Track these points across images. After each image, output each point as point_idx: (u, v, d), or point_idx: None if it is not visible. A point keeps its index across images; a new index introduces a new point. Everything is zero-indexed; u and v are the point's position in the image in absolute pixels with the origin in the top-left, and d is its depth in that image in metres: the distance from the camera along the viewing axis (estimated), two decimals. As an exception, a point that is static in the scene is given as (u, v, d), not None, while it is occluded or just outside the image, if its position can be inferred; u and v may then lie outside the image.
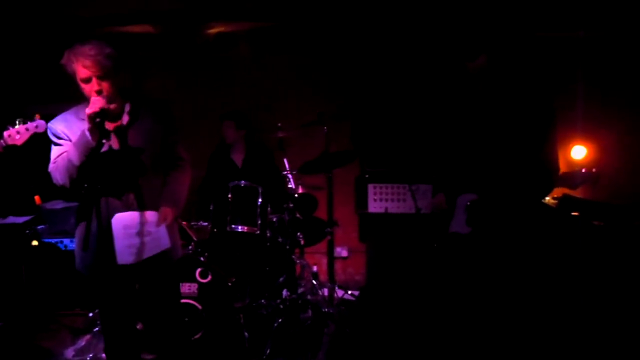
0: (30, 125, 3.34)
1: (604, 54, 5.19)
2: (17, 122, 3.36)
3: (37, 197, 5.50)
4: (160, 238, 2.80)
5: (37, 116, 3.40)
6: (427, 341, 3.69)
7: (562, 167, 4.92)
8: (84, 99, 2.81)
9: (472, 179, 3.06)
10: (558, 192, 4.20)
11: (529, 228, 3.00)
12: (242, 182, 4.22)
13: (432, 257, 4.04)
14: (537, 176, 2.91)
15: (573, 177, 4.12)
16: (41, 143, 3.51)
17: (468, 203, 3.05)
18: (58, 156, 2.85)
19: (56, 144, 2.90)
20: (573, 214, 3.97)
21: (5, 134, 3.31)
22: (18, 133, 3.29)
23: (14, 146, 3.35)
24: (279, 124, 4.64)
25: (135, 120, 2.82)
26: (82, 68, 2.65)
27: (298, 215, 4.45)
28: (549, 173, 2.94)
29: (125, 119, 2.82)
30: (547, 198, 4.20)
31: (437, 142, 4.63)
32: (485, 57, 2.90)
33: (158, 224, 2.78)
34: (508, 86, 2.97)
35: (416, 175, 4.71)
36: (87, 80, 2.67)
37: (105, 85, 2.68)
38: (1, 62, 5.55)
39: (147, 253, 2.77)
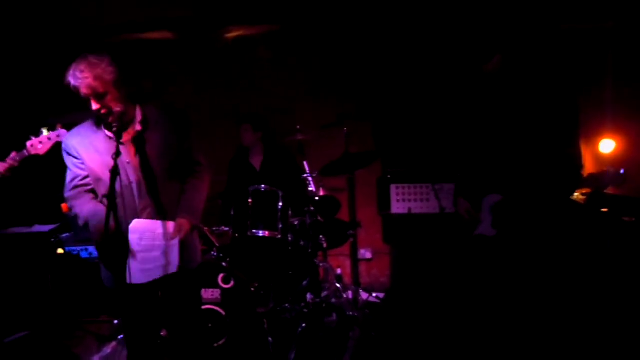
0: (52, 134, 3.39)
1: (635, 45, 5.03)
2: (41, 131, 3.40)
3: (63, 205, 5.56)
4: (170, 256, 2.78)
5: (59, 126, 3.44)
6: (455, 344, 3.61)
7: (590, 161, 4.85)
8: None
9: (495, 178, 3.00)
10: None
11: (558, 227, 2.93)
12: (262, 186, 4.19)
13: (458, 259, 3.97)
14: (562, 173, 2.83)
15: (601, 177, 4.03)
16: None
17: (493, 204, 2.99)
18: (72, 181, 2.88)
19: (68, 162, 2.91)
20: (602, 210, 3.85)
21: (28, 144, 3.36)
22: (40, 143, 3.34)
23: (36, 155, 3.39)
24: (298, 127, 4.60)
25: (148, 128, 2.80)
26: (75, 90, 2.67)
27: (320, 218, 4.40)
28: (573, 169, 2.87)
29: (137, 127, 2.81)
30: (576, 194, 4.09)
31: (460, 140, 4.55)
32: (500, 57, 2.84)
33: (173, 236, 2.76)
34: (527, 83, 2.90)
35: (439, 175, 4.64)
36: (87, 100, 2.67)
37: (106, 101, 2.68)
38: (21, 72, 5.63)
39: (156, 274, 2.76)
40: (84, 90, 2.65)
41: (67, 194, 2.90)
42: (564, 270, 3.11)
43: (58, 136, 3.43)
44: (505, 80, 2.92)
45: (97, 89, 2.65)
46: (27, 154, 3.37)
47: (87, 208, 2.83)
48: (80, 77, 2.63)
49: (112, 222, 2.59)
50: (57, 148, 3.43)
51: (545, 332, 3.02)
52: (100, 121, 2.81)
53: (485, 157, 3.09)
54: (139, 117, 2.83)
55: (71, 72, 2.67)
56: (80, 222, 2.86)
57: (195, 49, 5.67)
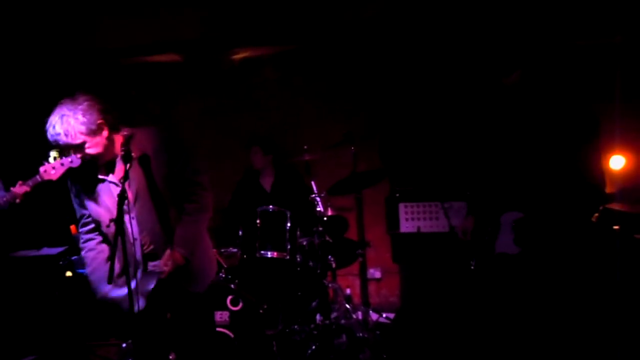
0: (65, 160, 3.41)
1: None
2: (52, 156, 3.44)
3: (72, 227, 5.57)
4: (145, 286, 2.77)
5: (72, 151, 3.47)
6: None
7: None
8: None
9: (512, 196, 2.98)
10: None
11: (579, 247, 2.89)
12: (270, 207, 4.18)
13: (470, 277, 3.93)
14: (585, 191, 2.80)
15: (634, 190, 3.98)
16: (73, 173, 3.56)
17: (514, 222, 2.96)
18: (80, 221, 2.98)
19: (73, 201, 3.01)
20: (614, 227, 3.80)
21: (41, 169, 3.39)
22: (53, 168, 3.37)
23: (49, 181, 3.42)
24: (306, 147, 4.60)
25: (132, 165, 2.74)
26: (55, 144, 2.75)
27: (328, 238, 4.37)
28: (596, 186, 2.83)
29: (120, 166, 2.80)
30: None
31: (472, 157, 4.53)
32: (520, 72, 2.83)
33: (161, 268, 2.75)
34: (546, 99, 2.89)
35: (448, 193, 4.61)
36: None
37: (85, 149, 2.74)
38: (31, 96, 5.68)
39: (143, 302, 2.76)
40: (62, 145, 2.72)
41: (80, 244, 2.98)
42: (578, 289, 3.06)
43: (71, 162, 3.45)
44: (524, 95, 2.91)
45: (71, 143, 2.70)
46: (39, 179, 3.40)
47: (90, 267, 2.90)
48: (53, 134, 2.68)
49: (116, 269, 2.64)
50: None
51: (558, 351, 2.97)
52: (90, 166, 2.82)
53: (502, 173, 3.07)
54: (119, 152, 2.80)
55: (47, 127, 2.72)
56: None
57: (202, 70, 5.71)
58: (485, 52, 4.47)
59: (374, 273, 5.56)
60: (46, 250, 5.00)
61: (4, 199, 3.43)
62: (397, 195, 4.83)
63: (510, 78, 2.88)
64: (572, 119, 2.81)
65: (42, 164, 3.42)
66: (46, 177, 3.39)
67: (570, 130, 2.79)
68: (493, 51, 3.00)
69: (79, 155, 2.81)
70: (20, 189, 3.41)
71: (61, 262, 4.91)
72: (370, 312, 4.67)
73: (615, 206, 4.01)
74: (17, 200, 3.42)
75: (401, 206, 4.80)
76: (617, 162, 4.88)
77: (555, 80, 2.89)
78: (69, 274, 4.92)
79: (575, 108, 2.84)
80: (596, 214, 3.94)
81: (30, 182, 3.42)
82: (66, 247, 5.09)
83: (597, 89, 4.81)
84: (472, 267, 3.28)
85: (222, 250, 4.23)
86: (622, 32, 4.85)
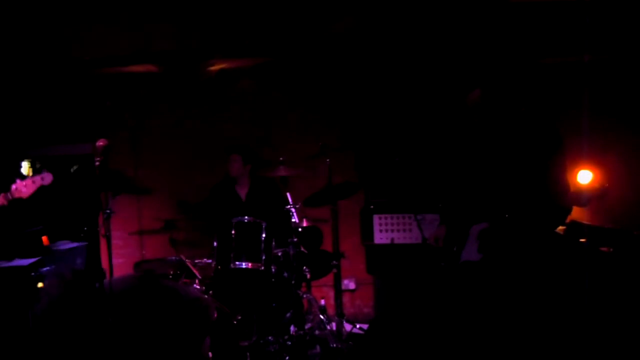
0: (37, 178, 3.41)
1: (610, 78, 5.17)
2: (21, 166, 3.41)
3: (44, 238, 5.51)
4: None
5: (44, 170, 3.45)
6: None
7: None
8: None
9: (481, 208, 3.05)
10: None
11: (539, 256, 2.96)
12: (246, 218, 4.20)
13: (442, 287, 3.99)
14: (548, 204, 2.88)
15: (581, 194, 4.07)
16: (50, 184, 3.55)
17: (479, 231, 3.03)
18: None
19: None
20: (581, 240, 3.91)
21: (13, 187, 3.37)
22: (25, 186, 3.35)
23: (19, 199, 3.39)
24: (281, 158, 4.63)
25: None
26: None
27: (303, 249, 4.40)
28: (560, 199, 2.91)
29: None
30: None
31: (443, 171, 4.62)
32: (479, 90, 2.92)
33: None
34: (509, 115, 2.97)
35: (422, 205, 4.68)
36: None
37: None
38: (3, 105, 5.62)
39: None
40: None
41: None
42: (542, 299, 3.13)
43: (42, 179, 3.45)
44: (486, 112, 2.99)
45: None
46: (10, 197, 3.37)
47: None
48: None
49: None
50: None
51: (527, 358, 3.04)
52: None
53: (470, 187, 3.14)
54: None
55: None
56: None
57: (178, 81, 5.72)
58: (451, 68, 4.60)
59: (349, 284, 5.60)
60: (18, 262, 4.93)
61: None
62: (372, 207, 4.90)
63: (472, 96, 2.96)
64: (534, 136, 2.90)
65: (14, 181, 3.39)
66: (17, 195, 3.37)
67: (533, 146, 2.87)
68: (458, 68, 3.09)
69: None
70: None
71: (33, 274, 4.84)
72: (344, 322, 4.70)
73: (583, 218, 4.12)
74: None
75: (375, 218, 4.86)
76: (584, 177, 5.02)
77: (515, 98, 2.97)
78: (40, 285, 4.85)
79: (538, 125, 2.93)
80: (563, 227, 4.05)
81: (1, 198, 3.38)
82: (38, 258, 5.03)
83: (565, 106, 4.95)
84: (442, 268, 3.35)
85: (197, 261, 4.23)
86: (590, 50, 5.00)
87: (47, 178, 3.39)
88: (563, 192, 2.88)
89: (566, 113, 4.79)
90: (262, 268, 4.13)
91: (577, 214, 4.29)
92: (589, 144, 4.97)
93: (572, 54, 5.12)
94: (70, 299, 2.39)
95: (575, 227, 3.99)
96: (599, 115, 5.04)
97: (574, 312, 3.49)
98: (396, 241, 4.82)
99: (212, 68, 5.54)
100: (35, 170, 3.42)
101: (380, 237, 4.85)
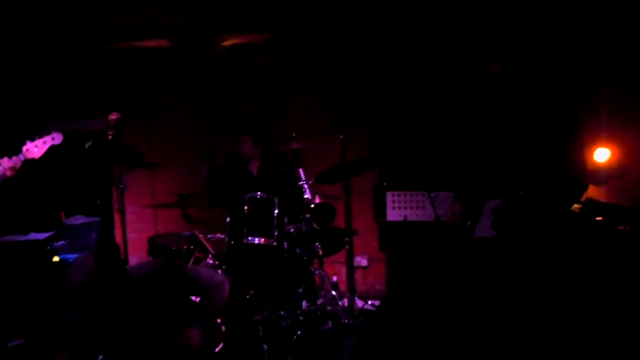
0: (47, 138, 3.40)
1: (629, 53, 5.05)
2: (35, 137, 3.41)
3: (62, 213, 5.57)
4: None
5: (53, 129, 3.45)
6: (451, 352, 3.61)
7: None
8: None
9: (496, 185, 3.02)
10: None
11: (554, 234, 2.93)
12: (258, 193, 4.19)
13: (454, 265, 3.98)
14: (564, 181, 2.84)
15: (599, 172, 4.01)
16: (65, 159, 3.55)
17: (493, 208, 3.01)
18: None
19: None
20: (597, 218, 3.86)
21: (24, 148, 3.37)
22: (36, 147, 3.35)
23: (32, 160, 3.39)
24: (294, 134, 4.61)
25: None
26: None
27: (315, 226, 4.40)
28: (576, 176, 2.87)
29: None
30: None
31: (458, 148, 4.57)
32: (498, 65, 2.86)
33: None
34: (526, 91, 2.92)
35: (435, 182, 4.65)
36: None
37: None
38: (18, 79, 5.64)
39: None
40: None
41: None
42: (557, 277, 3.11)
43: (53, 139, 3.44)
44: (504, 87, 2.94)
45: None
46: (23, 158, 3.37)
47: None
48: None
49: None
50: (54, 155, 3.46)
51: (540, 337, 3.02)
52: None
53: (485, 163, 3.11)
54: None
55: None
56: None
57: (191, 56, 5.69)
58: (467, 43, 4.52)
59: (361, 261, 5.61)
60: (33, 236, 4.99)
61: None
62: (385, 184, 4.87)
63: (490, 71, 2.91)
64: (551, 111, 2.85)
65: (24, 143, 3.39)
66: (29, 156, 3.37)
67: (550, 122, 2.83)
68: (473, 43, 3.03)
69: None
70: (6, 163, 3.35)
71: (48, 248, 4.90)
72: (356, 299, 4.72)
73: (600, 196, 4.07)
74: (8, 174, 3.36)
75: (388, 195, 4.84)
76: (602, 155, 4.93)
77: (533, 72, 2.92)
78: (56, 259, 4.91)
79: (555, 100, 2.88)
80: (579, 205, 4.00)
81: (14, 160, 3.38)
82: (53, 232, 5.08)
83: (583, 82, 4.86)
84: (455, 244, 3.33)
85: (210, 236, 4.25)
86: (608, 25, 4.89)
87: (58, 138, 3.38)
88: (579, 169, 2.84)
89: (584, 89, 4.71)
90: (275, 244, 4.14)
91: (593, 192, 4.24)
92: (607, 121, 4.89)
93: (591, 29, 5.01)
94: (103, 276, 2.43)
95: (592, 205, 3.93)
96: (617, 92, 4.95)
97: (590, 290, 3.47)
98: (409, 218, 4.80)
99: (225, 43, 5.51)
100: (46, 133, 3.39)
101: (393, 214, 4.83)
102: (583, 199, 4.00)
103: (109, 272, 2.45)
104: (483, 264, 3.08)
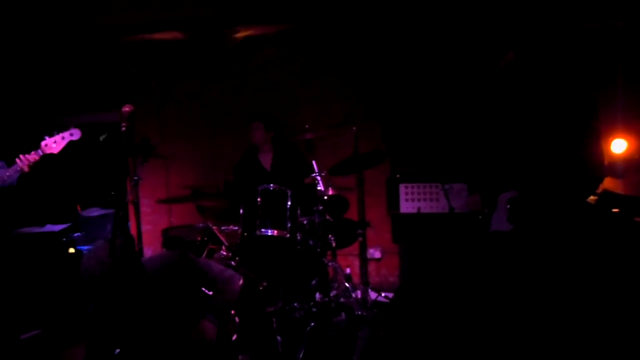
0: (66, 133, 3.45)
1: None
2: (54, 132, 3.46)
3: (77, 206, 5.63)
4: None
5: (71, 126, 3.50)
6: (463, 345, 3.60)
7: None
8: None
9: (511, 176, 2.99)
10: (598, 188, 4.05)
11: (570, 226, 2.91)
12: (271, 185, 4.19)
13: (468, 258, 3.96)
14: (580, 172, 2.81)
15: (615, 164, 3.96)
16: (80, 152, 3.60)
17: (508, 200, 2.99)
18: None
19: None
20: (614, 210, 3.81)
21: (42, 143, 3.42)
22: (54, 142, 3.39)
23: (51, 155, 3.44)
24: (307, 126, 4.60)
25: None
26: None
27: (328, 218, 4.40)
28: (593, 167, 2.84)
29: None
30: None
31: (472, 139, 4.53)
32: (513, 53, 2.83)
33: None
34: (542, 80, 2.88)
35: (449, 174, 4.62)
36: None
37: None
38: (33, 73, 5.69)
39: None
40: None
41: None
42: (574, 270, 3.08)
43: (71, 135, 3.50)
44: (520, 76, 2.91)
45: None
46: (41, 153, 3.43)
47: None
48: None
49: None
50: (70, 148, 3.50)
51: (554, 332, 3.00)
52: None
53: (500, 154, 3.08)
54: None
55: None
56: None
57: (203, 49, 5.70)
58: (481, 32, 4.47)
59: (374, 253, 5.60)
60: (49, 227, 5.05)
61: (8, 173, 3.44)
62: (398, 176, 4.84)
63: (505, 59, 2.88)
64: (568, 101, 2.81)
65: (43, 139, 3.45)
66: (47, 151, 3.43)
67: (567, 112, 2.79)
68: (488, 32, 3.00)
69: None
70: (24, 159, 3.41)
71: (64, 239, 4.96)
72: (370, 291, 4.72)
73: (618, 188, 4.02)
74: (26, 170, 3.42)
75: (402, 187, 4.81)
76: (619, 146, 4.87)
77: (550, 61, 2.88)
78: (71, 250, 4.97)
79: (572, 90, 2.84)
80: (595, 197, 3.95)
81: (33, 155, 3.44)
82: (69, 224, 5.14)
83: (599, 72, 4.79)
84: (471, 237, 3.31)
85: (223, 227, 4.26)
86: (624, 16, 4.82)
87: (76, 134, 3.44)
88: (597, 160, 2.81)
89: (601, 80, 4.65)
90: (288, 235, 4.14)
91: (610, 183, 4.19)
92: (624, 112, 4.83)
93: (607, 20, 4.94)
94: (117, 264, 2.45)
95: (608, 197, 3.88)
96: (634, 83, 4.88)
97: (607, 282, 3.43)
98: (423, 210, 4.77)
99: (237, 35, 5.50)
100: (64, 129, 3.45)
101: (406, 207, 4.80)
102: (599, 190, 3.96)
103: (123, 260, 2.47)
104: (499, 257, 3.06)
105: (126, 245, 2.57)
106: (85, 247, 4.95)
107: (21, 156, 3.41)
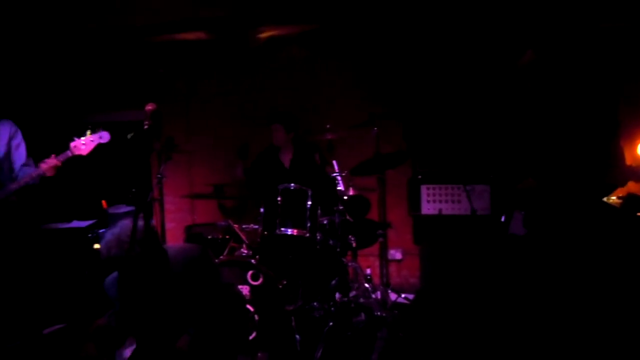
0: (95, 136, 3.56)
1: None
2: (87, 132, 3.55)
3: (103, 202, 5.73)
4: None
5: (100, 128, 3.61)
6: (483, 348, 3.57)
7: (628, 162, 4.71)
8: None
9: (531, 176, 2.97)
10: (623, 190, 3.98)
11: (590, 229, 2.86)
12: (292, 185, 4.21)
13: (489, 260, 3.92)
14: (600, 173, 2.77)
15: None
16: (108, 150, 3.69)
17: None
18: None
19: None
20: (639, 214, 3.74)
21: (72, 144, 3.52)
22: (83, 144, 3.49)
23: (79, 156, 3.54)
24: (328, 126, 4.61)
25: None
26: None
27: (349, 218, 4.40)
28: (612, 169, 2.80)
29: None
30: (613, 198, 3.99)
31: (494, 140, 4.49)
32: (532, 52, 2.80)
33: None
34: (563, 80, 2.85)
35: (471, 176, 4.58)
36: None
37: None
38: (63, 72, 5.82)
39: None
40: None
41: None
42: (596, 274, 3.03)
43: (100, 137, 3.60)
44: (540, 76, 2.88)
45: None
46: (70, 154, 3.53)
47: None
48: None
49: None
50: (98, 148, 3.59)
51: (575, 336, 2.96)
52: None
53: (520, 155, 3.06)
54: None
55: None
56: None
57: (228, 49, 5.76)
58: (501, 32, 4.41)
59: (395, 254, 5.59)
60: (76, 223, 5.16)
61: (35, 174, 3.55)
62: (420, 177, 4.82)
63: (523, 59, 2.85)
64: (589, 103, 2.77)
65: (73, 140, 3.54)
66: (76, 152, 3.53)
67: (586, 112, 2.75)
68: (507, 31, 2.97)
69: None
70: (50, 162, 3.53)
71: (90, 235, 5.06)
72: (390, 292, 4.71)
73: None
74: (48, 174, 3.53)
75: (423, 188, 4.80)
76: (646, 149, 4.78)
77: (572, 62, 2.84)
78: (97, 246, 5.06)
79: (594, 92, 2.80)
80: (619, 200, 3.89)
81: (61, 157, 3.55)
82: (95, 220, 5.24)
83: (623, 73, 4.70)
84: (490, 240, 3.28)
85: (244, 226, 4.30)
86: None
87: (105, 137, 3.54)
88: (617, 163, 2.76)
89: (628, 81, 4.56)
90: (308, 235, 4.15)
91: (635, 187, 4.11)
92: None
93: (632, 19, 4.85)
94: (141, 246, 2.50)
95: (633, 200, 3.81)
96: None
97: (632, 287, 3.37)
98: (444, 212, 4.75)
99: (262, 35, 5.54)
100: (94, 131, 3.56)
101: (427, 208, 4.79)
102: (624, 193, 3.89)
103: (148, 243, 2.52)
104: (519, 260, 3.03)
105: (150, 230, 2.62)
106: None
107: (46, 160, 3.51)
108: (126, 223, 2.57)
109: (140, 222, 2.56)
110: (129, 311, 2.74)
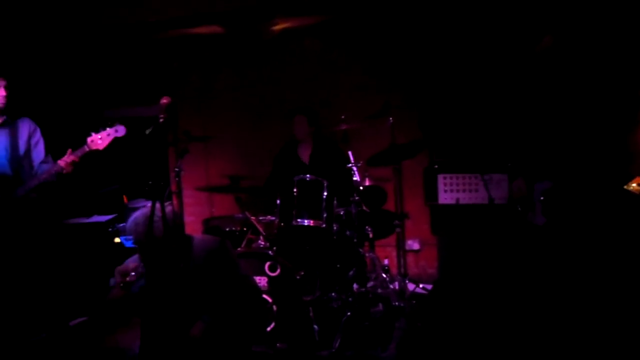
0: (111, 130, 3.59)
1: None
2: (105, 127, 3.60)
3: (124, 197, 5.80)
4: None
5: (117, 122, 3.65)
6: (501, 337, 3.55)
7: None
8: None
9: (550, 165, 2.94)
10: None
11: (610, 218, 2.83)
12: (307, 176, 4.21)
13: (507, 249, 3.89)
14: (621, 161, 2.74)
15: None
16: (127, 145, 3.73)
17: (542, 192, 2.93)
18: None
19: None
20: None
21: (89, 139, 3.56)
22: (100, 139, 3.53)
23: (96, 151, 3.59)
24: (343, 117, 4.60)
25: None
26: None
27: (365, 208, 4.39)
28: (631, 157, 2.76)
29: None
30: (634, 185, 3.92)
31: (511, 128, 4.44)
32: (551, 37, 2.76)
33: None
34: (582, 67, 2.81)
35: (489, 164, 4.54)
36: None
37: None
38: (81, 68, 5.87)
39: None
40: None
41: None
42: (615, 263, 3.00)
43: (116, 131, 3.64)
44: (558, 62, 2.84)
45: None
46: (87, 149, 3.57)
47: None
48: None
49: None
50: (115, 143, 3.62)
51: (591, 324, 2.94)
52: None
53: (538, 142, 3.03)
54: None
55: None
56: None
57: (242, 42, 5.76)
58: (516, 17, 4.34)
59: (412, 244, 5.57)
60: (96, 218, 5.23)
61: (52, 171, 3.60)
62: (436, 166, 4.78)
63: (541, 44, 2.81)
64: (607, 88, 2.73)
65: (90, 135, 3.58)
66: (93, 147, 3.57)
67: (605, 99, 2.71)
68: (522, 16, 2.92)
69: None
70: (67, 158, 3.57)
71: (110, 229, 5.12)
72: (407, 282, 4.70)
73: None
74: (64, 171, 3.57)
75: (440, 177, 4.75)
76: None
77: (592, 47, 2.79)
78: (117, 240, 5.13)
79: (612, 78, 2.76)
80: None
81: (78, 152, 3.59)
82: (115, 215, 5.31)
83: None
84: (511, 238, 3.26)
85: (261, 217, 4.32)
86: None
87: (121, 130, 3.57)
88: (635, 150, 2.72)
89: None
90: (324, 226, 4.15)
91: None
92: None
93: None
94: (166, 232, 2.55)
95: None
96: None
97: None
98: (461, 201, 4.70)
99: (275, 27, 5.54)
100: (110, 126, 3.59)
101: (444, 197, 4.74)
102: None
103: (173, 229, 2.58)
104: (534, 252, 3.01)
105: (176, 216, 2.66)
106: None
107: (64, 158, 3.56)
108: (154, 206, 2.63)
109: (169, 208, 2.63)
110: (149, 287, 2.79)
